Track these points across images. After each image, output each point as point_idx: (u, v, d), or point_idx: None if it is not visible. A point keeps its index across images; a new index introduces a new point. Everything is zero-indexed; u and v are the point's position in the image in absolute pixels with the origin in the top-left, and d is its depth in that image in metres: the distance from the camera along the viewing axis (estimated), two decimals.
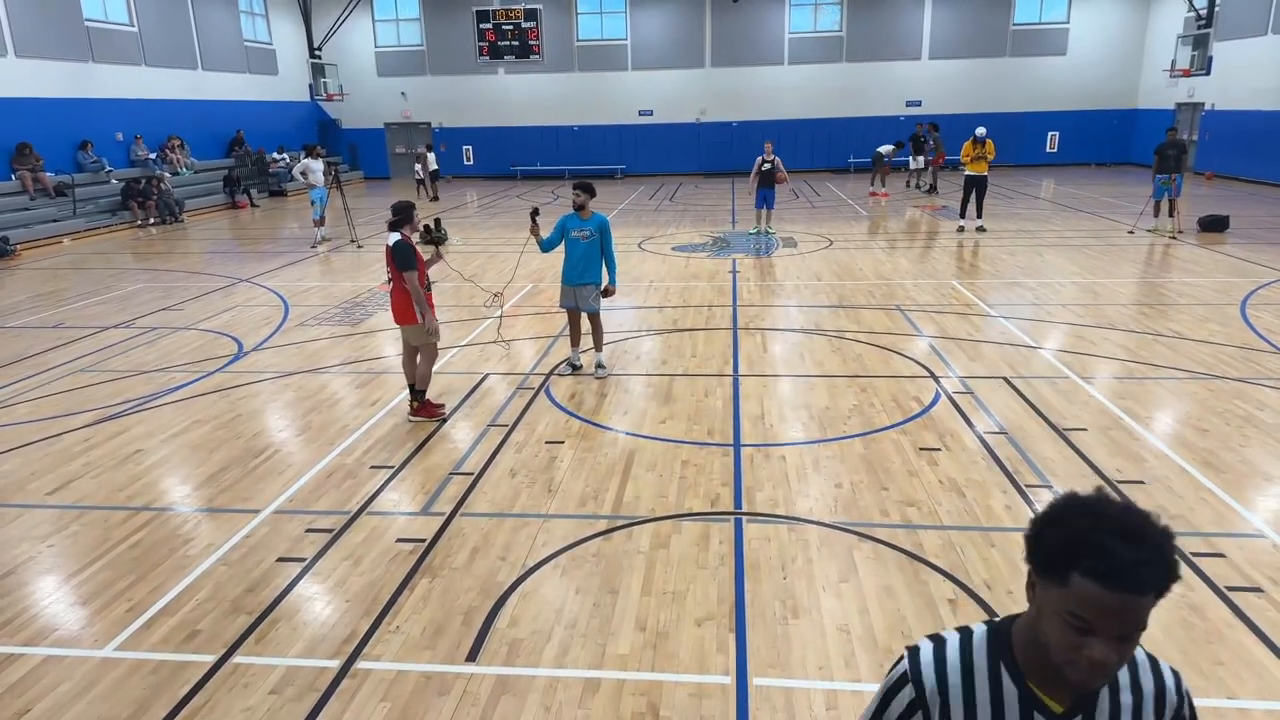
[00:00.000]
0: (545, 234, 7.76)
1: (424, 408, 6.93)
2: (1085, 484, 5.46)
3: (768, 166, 15.37)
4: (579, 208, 7.62)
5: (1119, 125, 28.78)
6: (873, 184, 23.13)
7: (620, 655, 3.90)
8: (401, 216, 6.66)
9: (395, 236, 6.61)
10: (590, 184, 7.69)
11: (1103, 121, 28.83)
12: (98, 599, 4.48)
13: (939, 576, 4.46)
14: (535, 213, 7.85)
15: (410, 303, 6.68)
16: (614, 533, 5.02)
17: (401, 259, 6.56)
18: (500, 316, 9.81)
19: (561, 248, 7.79)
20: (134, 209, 19.74)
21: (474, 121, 30.34)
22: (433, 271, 7.30)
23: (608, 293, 7.90)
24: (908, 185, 24.19)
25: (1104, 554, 1.23)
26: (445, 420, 6.92)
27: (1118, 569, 1.22)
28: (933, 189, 22.66)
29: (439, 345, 7.10)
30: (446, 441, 6.52)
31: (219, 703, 3.65)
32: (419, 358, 6.90)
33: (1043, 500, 5.27)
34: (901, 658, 1.50)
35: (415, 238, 6.79)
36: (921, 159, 23.69)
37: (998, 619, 1.49)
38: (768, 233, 15.82)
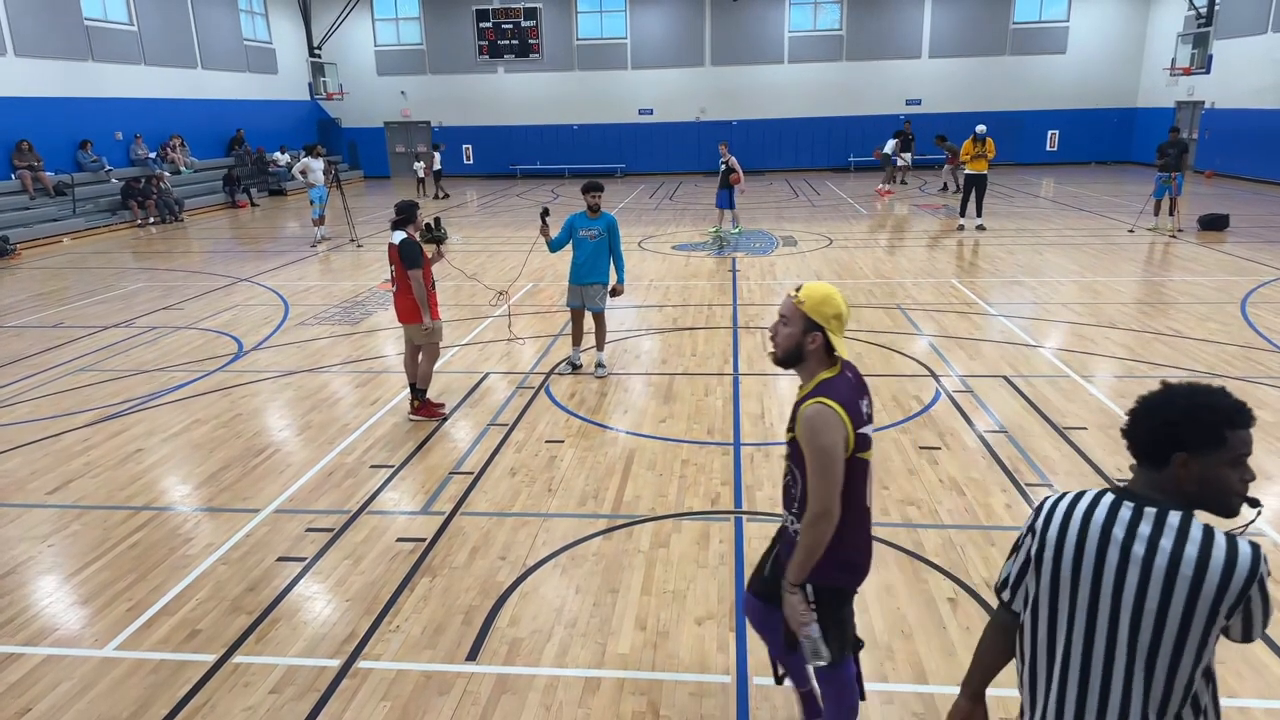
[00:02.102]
0: (554, 233, 7.73)
1: (424, 407, 6.93)
2: (1086, 483, 5.46)
3: (724, 167, 15.53)
4: (594, 209, 7.62)
5: (1119, 124, 28.76)
6: (884, 183, 23.47)
7: (620, 654, 3.90)
8: (406, 215, 6.67)
9: (400, 235, 6.61)
10: (600, 183, 7.70)
11: (1103, 120, 28.82)
12: (98, 598, 4.48)
13: (939, 575, 4.46)
14: (545, 213, 7.77)
15: (415, 301, 6.68)
16: (614, 532, 5.02)
17: (409, 257, 6.56)
18: (510, 314, 9.83)
19: (569, 247, 7.78)
20: (134, 208, 19.74)
21: (474, 120, 30.32)
22: (434, 270, 7.29)
23: (616, 292, 7.88)
24: (896, 181, 24.55)
25: (1238, 411, 1.78)
26: (445, 419, 6.92)
27: (1247, 414, 1.79)
28: (947, 188, 22.73)
29: (440, 345, 7.10)
30: (446, 441, 6.52)
31: (219, 702, 3.65)
32: (420, 357, 6.90)
33: (1041, 497, 5.27)
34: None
35: (417, 236, 6.79)
36: (908, 155, 24.22)
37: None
38: (717, 231, 15.80)
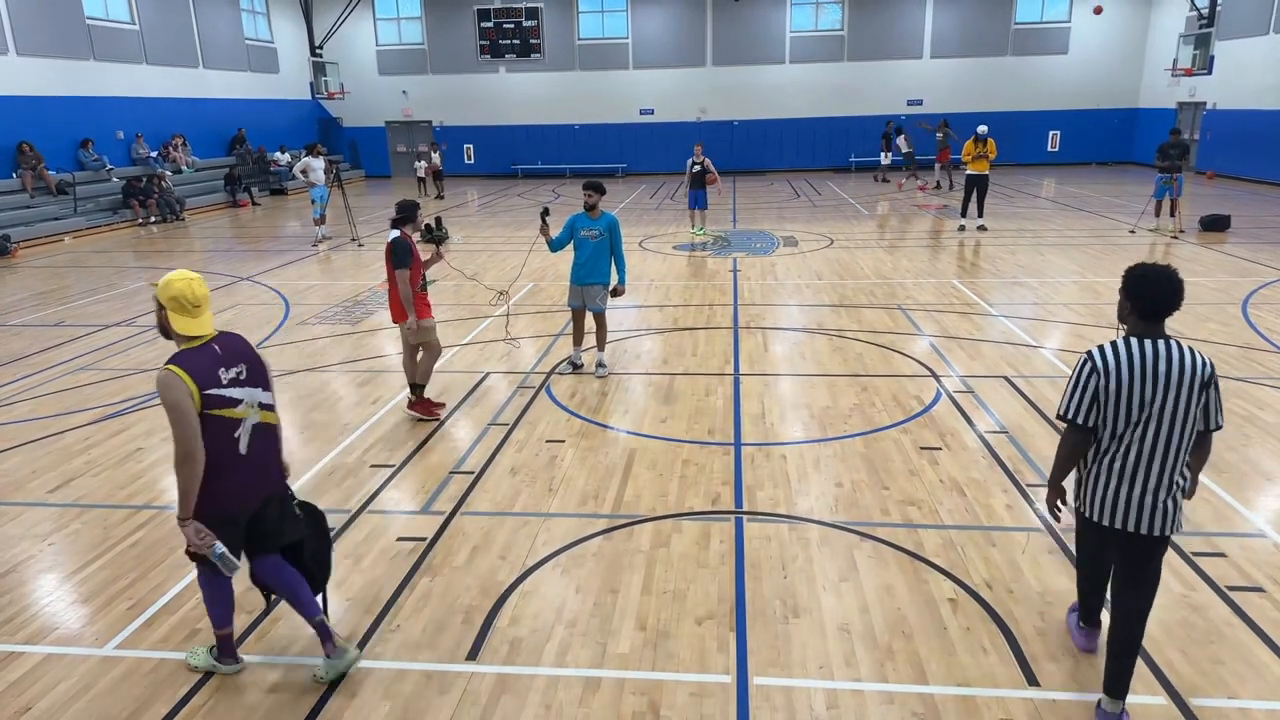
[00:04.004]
0: (554, 234, 7.72)
1: (421, 404, 6.93)
2: None
3: (698, 168, 15.64)
4: (590, 208, 7.59)
5: (1120, 124, 28.74)
6: (918, 180, 24.11)
7: (620, 654, 3.90)
8: (404, 215, 6.67)
9: (395, 234, 6.61)
10: (600, 183, 7.65)
11: (1104, 121, 28.80)
12: (98, 597, 4.48)
13: (939, 575, 4.46)
14: (545, 213, 7.72)
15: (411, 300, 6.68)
16: (614, 532, 5.03)
17: (397, 256, 6.54)
18: (508, 314, 9.83)
19: (570, 247, 7.77)
20: (135, 207, 19.75)
21: (475, 120, 30.33)
22: (433, 270, 7.28)
23: (617, 293, 7.86)
24: (875, 180, 25.14)
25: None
26: (445, 419, 6.92)
27: None
28: (940, 185, 22.78)
29: (440, 343, 7.09)
30: (447, 440, 6.52)
31: (219, 702, 3.65)
32: (420, 354, 6.90)
33: (1042, 497, 5.27)
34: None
35: (415, 236, 6.79)
36: (888, 156, 24.84)
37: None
38: (703, 230, 16.01)
